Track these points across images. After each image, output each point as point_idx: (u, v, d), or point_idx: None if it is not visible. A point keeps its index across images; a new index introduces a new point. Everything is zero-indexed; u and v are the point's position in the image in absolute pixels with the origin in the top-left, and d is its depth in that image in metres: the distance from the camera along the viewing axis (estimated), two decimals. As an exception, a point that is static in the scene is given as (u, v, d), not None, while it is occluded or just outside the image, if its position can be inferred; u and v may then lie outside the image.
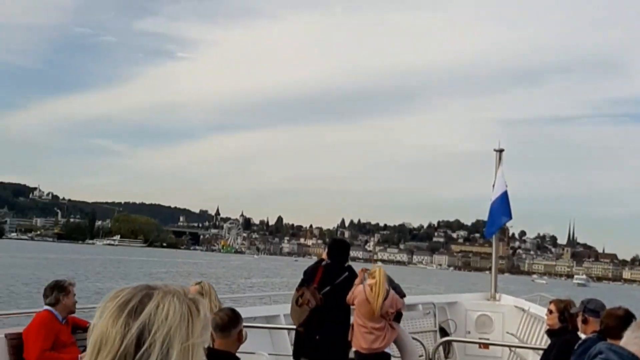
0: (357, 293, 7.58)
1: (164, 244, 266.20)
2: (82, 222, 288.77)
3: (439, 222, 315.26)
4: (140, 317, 1.38)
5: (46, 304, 6.77)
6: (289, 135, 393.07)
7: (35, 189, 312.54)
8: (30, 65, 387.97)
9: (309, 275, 7.94)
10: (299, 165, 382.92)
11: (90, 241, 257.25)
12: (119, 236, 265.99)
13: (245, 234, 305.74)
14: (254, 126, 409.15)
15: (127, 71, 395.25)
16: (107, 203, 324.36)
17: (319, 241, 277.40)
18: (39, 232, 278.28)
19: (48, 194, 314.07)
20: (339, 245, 8.42)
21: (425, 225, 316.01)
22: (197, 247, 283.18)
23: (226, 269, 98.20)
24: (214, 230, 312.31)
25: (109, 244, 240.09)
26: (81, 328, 7.12)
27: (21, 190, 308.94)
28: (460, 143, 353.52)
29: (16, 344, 6.67)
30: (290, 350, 8.49)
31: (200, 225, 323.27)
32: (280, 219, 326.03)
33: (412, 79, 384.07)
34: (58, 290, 6.75)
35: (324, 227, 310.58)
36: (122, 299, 1.40)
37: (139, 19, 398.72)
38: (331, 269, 7.90)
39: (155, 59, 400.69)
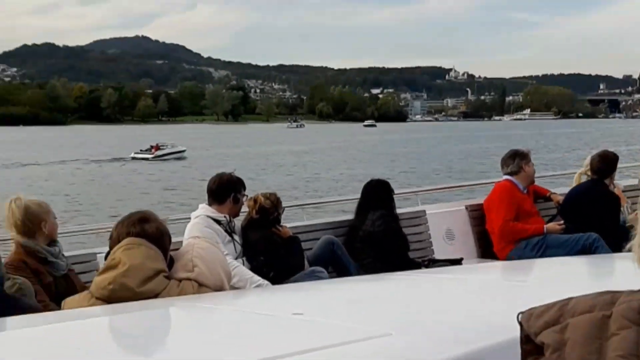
0: None
1: (579, 115, 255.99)
2: (491, 99, 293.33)
3: None
4: None
5: (506, 174, 6.52)
6: None
7: (450, 70, 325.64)
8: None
9: None
10: None
11: (497, 117, 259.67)
12: (528, 110, 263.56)
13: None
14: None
15: None
16: (523, 77, 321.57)
17: None
18: (443, 113, 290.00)
19: (464, 74, 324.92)
20: None
21: None
22: (616, 115, 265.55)
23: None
24: (637, 96, 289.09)
25: (517, 119, 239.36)
26: (542, 197, 6.85)
27: (437, 72, 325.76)
28: None
29: (477, 215, 6.70)
30: None
31: (622, 91, 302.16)
32: None
33: None
34: (520, 158, 6.48)
35: None
36: None
37: None
38: None
39: None
